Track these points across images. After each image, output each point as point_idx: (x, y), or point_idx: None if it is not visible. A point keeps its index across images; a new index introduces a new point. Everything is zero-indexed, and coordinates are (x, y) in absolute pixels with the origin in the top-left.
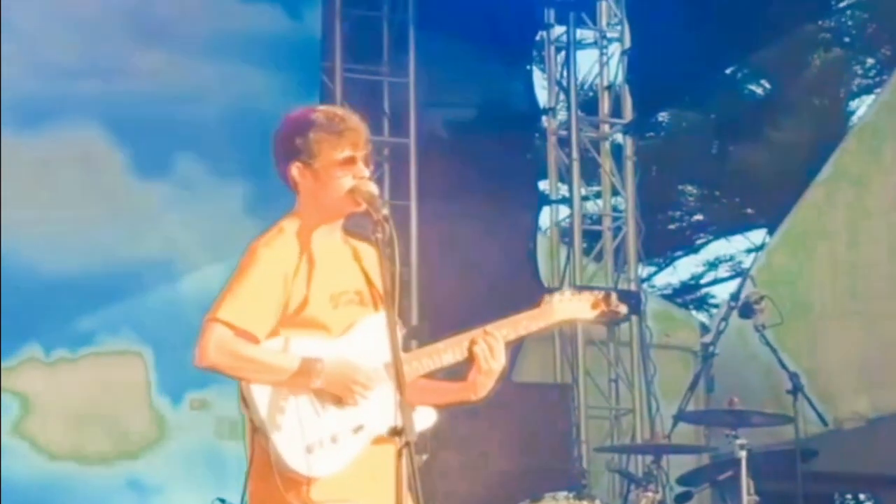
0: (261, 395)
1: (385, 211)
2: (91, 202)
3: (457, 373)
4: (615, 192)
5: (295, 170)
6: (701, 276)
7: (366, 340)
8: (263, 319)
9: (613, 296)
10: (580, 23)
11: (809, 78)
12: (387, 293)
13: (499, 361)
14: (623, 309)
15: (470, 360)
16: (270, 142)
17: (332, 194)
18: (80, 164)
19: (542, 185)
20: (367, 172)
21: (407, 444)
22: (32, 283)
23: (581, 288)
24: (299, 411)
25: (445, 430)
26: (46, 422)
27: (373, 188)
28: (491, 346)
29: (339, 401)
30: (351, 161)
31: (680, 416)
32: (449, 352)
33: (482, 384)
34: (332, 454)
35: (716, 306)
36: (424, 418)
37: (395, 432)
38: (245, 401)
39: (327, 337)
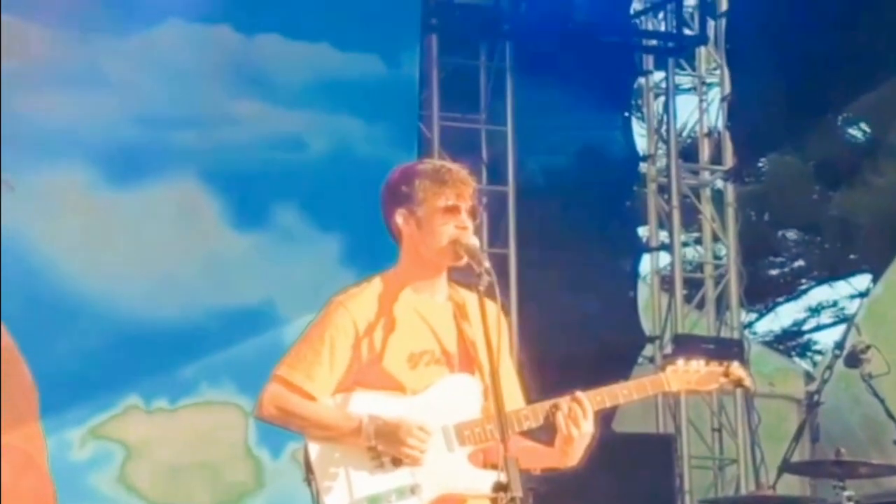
0: (315, 452)
1: (487, 263)
2: (189, 252)
3: None
4: (716, 239)
5: (399, 217)
6: (803, 322)
7: (442, 400)
8: (319, 378)
9: (734, 366)
10: (679, 68)
11: None
12: (489, 345)
13: (582, 429)
14: (747, 379)
15: (550, 427)
16: (380, 192)
17: (433, 244)
18: (178, 214)
19: (642, 232)
20: (469, 224)
21: (513, 499)
22: (133, 333)
23: (692, 340)
24: (352, 469)
25: (547, 480)
26: (147, 471)
27: (474, 241)
28: (574, 413)
29: (397, 460)
30: (454, 210)
31: (785, 467)
32: (531, 418)
33: (566, 452)
34: None
35: (819, 353)
36: (486, 482)
37: (500, 487)
38: (304, 457)
39: (400, 396)
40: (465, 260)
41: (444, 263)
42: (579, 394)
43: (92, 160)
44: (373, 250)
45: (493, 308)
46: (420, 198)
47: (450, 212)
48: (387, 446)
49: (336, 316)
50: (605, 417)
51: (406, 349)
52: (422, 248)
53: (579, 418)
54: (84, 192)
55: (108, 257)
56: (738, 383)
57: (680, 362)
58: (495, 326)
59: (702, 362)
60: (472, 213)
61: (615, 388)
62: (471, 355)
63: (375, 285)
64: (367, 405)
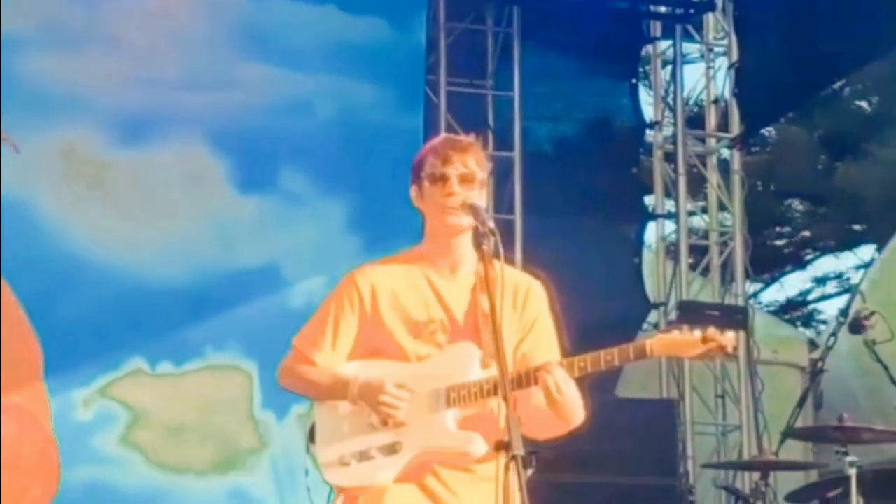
0: (320, 412)
1: (491, 223)
2: (195, 215)
3: None
4: (722, 207)
5: (413, 192)
6: (808, 292)
7: (442, 367)
8: (325, 346)
9: (710, 331)
10: (686, 36)
11: None
12: (492, 303)
13: (558, 394)
14: (730, 344)
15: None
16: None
17: (432, 211)
18: (184, 176)
19: (648, 200)
20: (458, 190)
21: (514, 457)
22: (138, 295)
23: (687, 309)
24: (347, 428)
25: (549, 446)
26: (152, 433)
27: (476, 200)
28: (545, 382)
29: (384, 421)
30: (441, 177)
31: (788, 433)
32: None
33: (560, 415)
34: (365, 469)
35: (824, 323)
36: (468, 442)
37: (501, 446)
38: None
39: (405, 364)
40: (470, 221)
41: (451, 229)
42: (546, 363)
43: (98, 122)
44: (378, 214)
45: (497, 266)
46: (420, 169)
47: (437, 178)
48: (369, 405)
49: (344, 286)
50: (609, 383)
51: (411, 318)
52: (427, 217)
53: (550, 388)
54: (90, 154)
55: (113, 219)
56: (720, 349)
57: (675, 332)
58: (499, 282)
59: (685, 328)
60: (465, 179)
61: (599, 353)
62: (479, 326)
63: (392, 259)
64: (375, 373)
